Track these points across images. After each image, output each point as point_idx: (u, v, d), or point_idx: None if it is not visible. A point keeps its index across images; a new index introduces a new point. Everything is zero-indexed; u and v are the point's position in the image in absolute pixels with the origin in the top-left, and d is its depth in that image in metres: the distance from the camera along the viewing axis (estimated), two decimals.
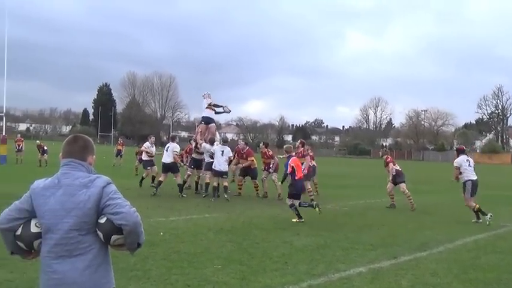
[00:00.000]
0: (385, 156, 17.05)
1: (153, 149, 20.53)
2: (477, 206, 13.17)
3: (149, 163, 19.89)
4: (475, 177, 13.32)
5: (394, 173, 16.08)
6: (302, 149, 16.80)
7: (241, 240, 9.50)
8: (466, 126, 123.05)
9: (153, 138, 21.13)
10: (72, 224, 2.97)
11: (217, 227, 10.91)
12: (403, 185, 16.05)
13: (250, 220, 12.10)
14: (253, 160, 18.10)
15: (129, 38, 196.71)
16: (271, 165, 17.94)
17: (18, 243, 3.09)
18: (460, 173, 13.40)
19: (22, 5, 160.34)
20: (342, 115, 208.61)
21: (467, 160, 13.50)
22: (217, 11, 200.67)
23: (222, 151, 16.48)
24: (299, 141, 17.71)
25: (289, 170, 12.70)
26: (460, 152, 14.01)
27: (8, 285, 6.16)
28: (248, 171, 18.15)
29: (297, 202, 12.49)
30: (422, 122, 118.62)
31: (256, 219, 12.24)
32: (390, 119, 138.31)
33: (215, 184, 16.36)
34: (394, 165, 16.36)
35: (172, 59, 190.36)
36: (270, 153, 18.38)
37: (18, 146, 32.65)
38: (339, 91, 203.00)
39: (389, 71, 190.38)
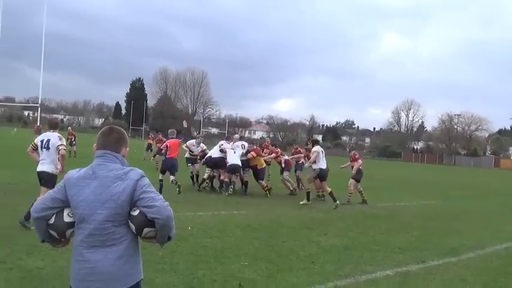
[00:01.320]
0: (352, 153, 17.96)
1: (197, 149, 18.50)
2: (330, 190, 15.07)
3: (190, 160, 18.86)
4: (324, 166, 15.19)
5: (357, 170, 17.07)
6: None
7: (268, 238, 9.49)
8: (500, 132, 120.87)
9: (200, 138, 19.58)
10: (106, 215, 3.01)
11: (244, 224, 10.93)
12: (359, 184, 17.30)
13: (278, 218, 12.09)
14: (259, 160, 17.61)
15: (163, 34, 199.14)
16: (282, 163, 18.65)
17: (51, 231, 3.13)
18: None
19: (63, 0, 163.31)
20: (373, 117, 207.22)
21: (322, 151, 15.41)
22: (253, 8, 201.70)
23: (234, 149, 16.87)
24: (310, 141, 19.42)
25: None
26: (315, 142, 16.36)
27: (38, 272, 6.27)
28: (254, 171, 17.70)
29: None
30: (455, 126, 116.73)
31: (283, 218, 12.22)
32: (422, 122, 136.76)
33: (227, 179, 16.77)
34: (358, 163, 17.28)
35: (205, 55, 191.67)
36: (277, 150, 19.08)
37: (70, 139, 32.34)
38: (371, 92, 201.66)
39: (423, 73, 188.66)
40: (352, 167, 17.30)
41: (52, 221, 3.10)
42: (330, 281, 6.89)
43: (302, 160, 18.93)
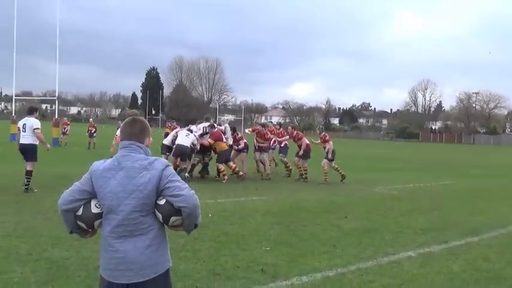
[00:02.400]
0: (322, 134, 17.80)
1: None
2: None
3: (167, 148, 17.57)
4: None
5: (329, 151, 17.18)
6: (296, 132, 18.68)
7: (288, 223, 9.52)
8: None
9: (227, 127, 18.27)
10: (134, 205, 3.05)
11: (265, 209, 10.97)
12: (332, 163, 17.32)
13: (298, 203, 12.10)
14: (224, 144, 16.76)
15: (176, 22, 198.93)
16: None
17: (79, 223, 3.18)
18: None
19: None
20: (390, 98, 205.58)
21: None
22: None
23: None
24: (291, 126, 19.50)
25: None
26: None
27: (63, 263, 6.35)
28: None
29: None
30: (474, 105, 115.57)
31: (303, 202, 12.23)
32: (440, 102, 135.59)
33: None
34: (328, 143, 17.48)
35: (218, 42, 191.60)
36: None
37: (91, 131, 32.39)
38: (386, 73, 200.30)
39: (439, 52, 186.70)
40: (324, 147, 17.44)
41: (80, 212, 3.15)
42: (352, 264, 6.89)
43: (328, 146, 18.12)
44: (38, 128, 12.17)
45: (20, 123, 12.40)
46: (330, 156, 17.13)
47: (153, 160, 3.16)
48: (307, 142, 17.97)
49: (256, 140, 18.30)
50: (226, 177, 16.17)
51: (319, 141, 17.75)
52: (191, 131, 16.53)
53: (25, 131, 12.16)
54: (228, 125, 18.13)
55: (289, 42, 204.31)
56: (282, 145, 19.09)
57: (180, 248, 7.15)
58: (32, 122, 12.23)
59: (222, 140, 16.43)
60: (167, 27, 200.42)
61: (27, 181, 12.04)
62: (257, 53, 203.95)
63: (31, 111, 12.64)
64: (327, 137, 17.69)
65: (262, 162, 18.19)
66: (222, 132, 16.93)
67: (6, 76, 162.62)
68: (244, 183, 15.82)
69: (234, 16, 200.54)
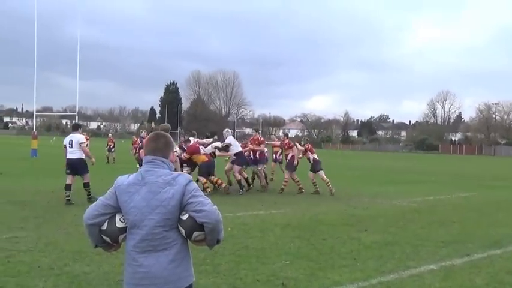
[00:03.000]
0: (306, 145, 17.94)
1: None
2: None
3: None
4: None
5: (312, 161, 17.54)
6: (287, 140, 18.35)
7: (308, 236, 9.48)
8: None
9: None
10: (158, 220, 3.09)
11: (284, 222, 10.94)
12: (321, 173, 17.41)
13: (317, 216, 12.05)
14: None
15: (194, 36, 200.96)
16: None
17: (104, 237, 3.23)
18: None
19: (93, 8, 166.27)
20: (409, 110, 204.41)
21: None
22: (280, 5, 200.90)
23: None
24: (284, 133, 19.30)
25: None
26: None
27: (85, 277, 6.39)
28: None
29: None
30: (494, 116, 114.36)
31: (322, 215, 12.18)
32: (459, 113, 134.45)
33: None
34: (313, 153, 17.67)
35: (235, 55, 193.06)
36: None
37: (109, 146, 32.68)
38: (405, 85, 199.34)
39: (459, 63, 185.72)
40: (308, 158, 17.67)
41: (105, 226, 3.20)
42: (373, 277, 6.84)
43: (314, 156, 18.19)
44: (83, 143, 13.41)
45: (66, 140, 13.44)
46: (312, 167, 17.43)
47: (177, 175, 3.20)
48: (294, 154, 17.75)
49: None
50: (209, 189, 15.81)
51: (300, 155, 17.84)
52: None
53: (72, 147, 13.17)
54: (231, 136, 17.79)
55: (307, 55, 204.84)
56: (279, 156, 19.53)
57: (200, 262, 7.15)
58: (78, 137, 13.36)
59: (199, 153, 16.20)
60: (185, 42, 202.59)
61: (88, 192, 13.10)
62: (275, 66, 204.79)
63: (75, 127, 13.99)
64: (309, 147, 17.77)
65: (257, 175, 18.34)
66: (226, 145, 16.97)
67: (27, 92, 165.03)
68: (263, 197, 15.79)
69: (251, 29, 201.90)
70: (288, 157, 17.71)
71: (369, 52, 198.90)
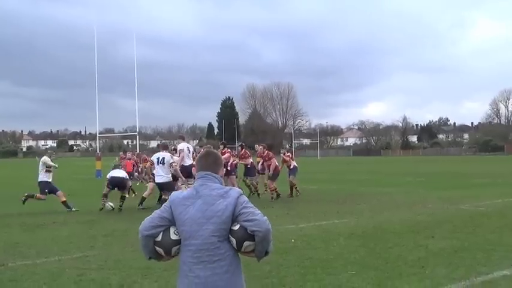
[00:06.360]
0: (287, 154, 19.77)
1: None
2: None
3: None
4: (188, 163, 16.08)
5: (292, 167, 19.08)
6: (266, 152, 18.84)
7: (373, 245, 9.33)
8: None
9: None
10: (212, 230, 3.24)
11: (347, 232, 10.81)
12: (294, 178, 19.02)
13: (381, 224, 11.85)
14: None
15: (246, 50, 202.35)
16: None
17: (158, 248, 3.36)
18: None
19: (147, 28, 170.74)
20: (470, 111, 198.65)
21: (187, 147, 16.56)
22: (331, 12, 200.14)
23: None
24: (262, 145, 19.40)
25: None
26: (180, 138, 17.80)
27: None
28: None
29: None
30: None
31: (386, 223, 11.97)
32: None
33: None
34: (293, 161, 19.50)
35: (288, 67, 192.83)
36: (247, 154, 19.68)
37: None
38: (465, 86, 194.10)
39: None
40: (288, 166, 19.03)
41: (159, 238, 3.33)
42: (443, 285, 6.66)
43: (294, 164, 19.34)
44: (173, 162, 15.17)
45: (154, 158, 15.28)
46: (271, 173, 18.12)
47: (228, 189, 3.39)
48: (276, 164, 18.46)
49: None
50: None
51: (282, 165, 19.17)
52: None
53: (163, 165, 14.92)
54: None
55: (361, 61, 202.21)
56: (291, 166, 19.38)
57: (265, 275, 7.16)
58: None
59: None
60: (238, 55, 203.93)
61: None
62: (329, 75, 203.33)
63: (165, 147, 16.19)
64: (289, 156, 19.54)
65: (253, 185, 19.05)
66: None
67: (90, 115, 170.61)
68: (325, 207, 15.66)
69: (302, 39, 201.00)
70: (272, 167, 18.14)
71: (426, 53, 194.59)
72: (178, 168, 15.30)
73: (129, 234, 10.90)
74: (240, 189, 3.43)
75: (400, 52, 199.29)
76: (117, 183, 15.65)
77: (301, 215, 13.78)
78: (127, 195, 15.96)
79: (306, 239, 10.04)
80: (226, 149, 18.48)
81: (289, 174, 19.02)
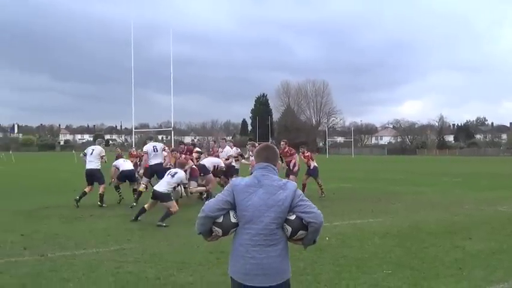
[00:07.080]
0: (306, 154, 19.08)
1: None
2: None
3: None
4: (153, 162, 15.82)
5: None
6: (287, 148, 18.09)
7: (409, 245, 9.24)
8: None
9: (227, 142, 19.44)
10: (273, 217, 3.55)
11: (382, 231, 10.73)
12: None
13: (416, 224, 11.71)
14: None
15: (281, 47, 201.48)
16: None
17: (216, 229, 3.66)
18: None
19: (182, 24, 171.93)
20: (509, 111, 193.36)
21: (153, 147, 15.96)
22: (367, 9, 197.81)
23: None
24: (284, 141, 18.63)
25: None
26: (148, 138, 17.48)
27: (189, 287, 6.58)
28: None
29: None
30: None
31: (422, 223, 11.82)
32: None
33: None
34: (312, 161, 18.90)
35: (324, 64, 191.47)
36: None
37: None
38: (504, 84, 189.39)
39: None
40: (309, 166, 18.71)
41: (220, 220, 3.64)
42: (481, 287, 6.57)
43: (314, 164, 18.80)
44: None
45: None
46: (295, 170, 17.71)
47: (286, 182, 3.69)
48: (296, 161, 17.97)
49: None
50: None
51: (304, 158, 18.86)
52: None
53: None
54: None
55: (397, 58, 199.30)
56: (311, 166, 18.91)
57: (300, 272, 7.16)
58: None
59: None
60: (272, 52, 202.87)
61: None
62: (364, 72, 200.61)
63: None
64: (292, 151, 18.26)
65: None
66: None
67: (126, 110, 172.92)
68: (360, 205, 15.55)
69: (337, 36, 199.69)
70: (292, 164, 17.74)
71: (464, 51, 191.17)
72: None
73: (164, 229, 11.03)
74: (295, 183, 3.72)
75: (436, 50, 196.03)
76: (127, 176, 16.57)
77: (335, 213, 13.71)
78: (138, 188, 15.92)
79: (341, 237, 10.01)
80: (253, 147, 18.35)
81: (309, 175, 18.52)
